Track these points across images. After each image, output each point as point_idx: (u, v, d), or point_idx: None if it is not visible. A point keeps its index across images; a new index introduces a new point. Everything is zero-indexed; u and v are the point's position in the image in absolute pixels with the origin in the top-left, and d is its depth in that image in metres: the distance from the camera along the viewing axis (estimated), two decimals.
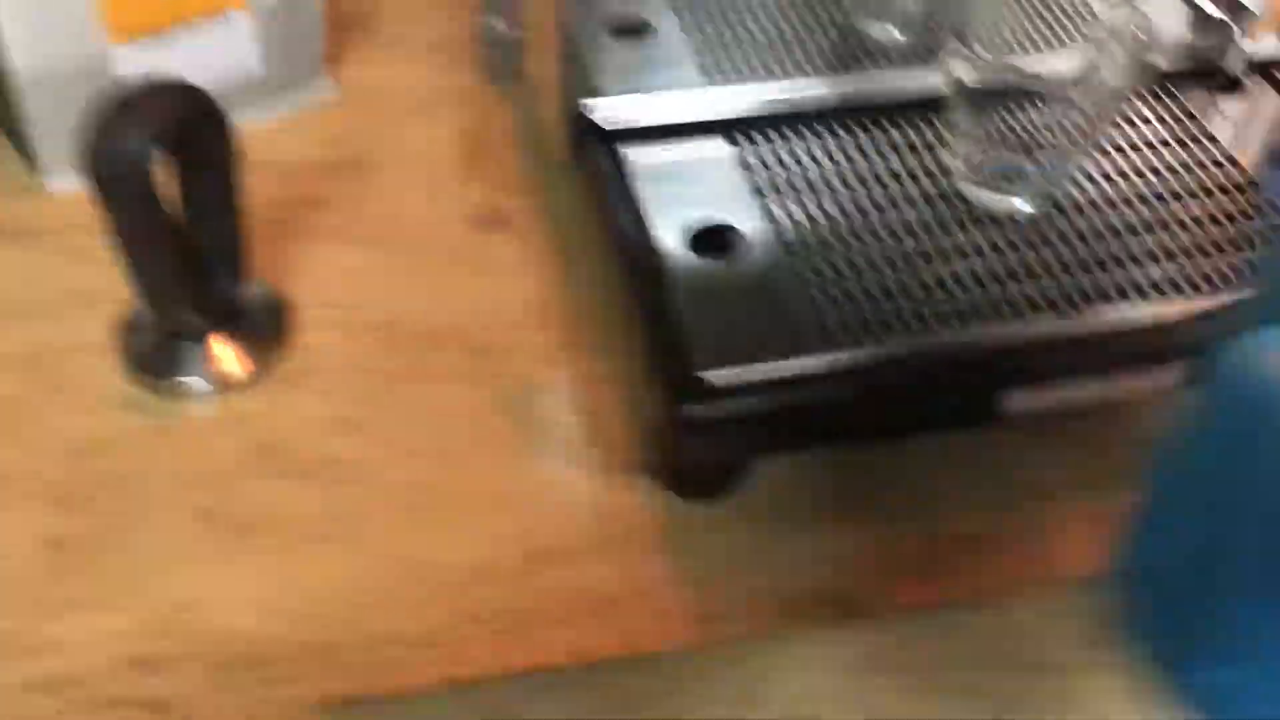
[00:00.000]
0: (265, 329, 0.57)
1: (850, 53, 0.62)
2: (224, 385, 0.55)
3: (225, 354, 0.56)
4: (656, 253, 0.51)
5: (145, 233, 0.50)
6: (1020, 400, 0.50)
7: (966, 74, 0.53)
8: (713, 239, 0.53)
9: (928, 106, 0.57)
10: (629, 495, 0.52)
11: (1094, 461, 0.54)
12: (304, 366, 0.57)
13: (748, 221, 0.53)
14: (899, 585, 0.50)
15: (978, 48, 0.53)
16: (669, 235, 0.52)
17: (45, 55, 0.60)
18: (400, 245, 0.63)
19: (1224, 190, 0.56)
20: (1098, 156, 0.57)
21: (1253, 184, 0.56)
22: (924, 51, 0.61)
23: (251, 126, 0.67)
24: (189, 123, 0.49)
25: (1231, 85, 0.62)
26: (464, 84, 0.70)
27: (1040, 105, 0.54)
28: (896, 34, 0.63)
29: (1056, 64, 0.55)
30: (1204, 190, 0.56)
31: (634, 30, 0.63)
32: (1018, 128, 0.54)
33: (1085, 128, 0.54)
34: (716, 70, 0.61)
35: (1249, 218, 0.55)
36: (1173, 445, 0.34)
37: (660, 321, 0.49)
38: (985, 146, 0.54)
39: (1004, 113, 0.54)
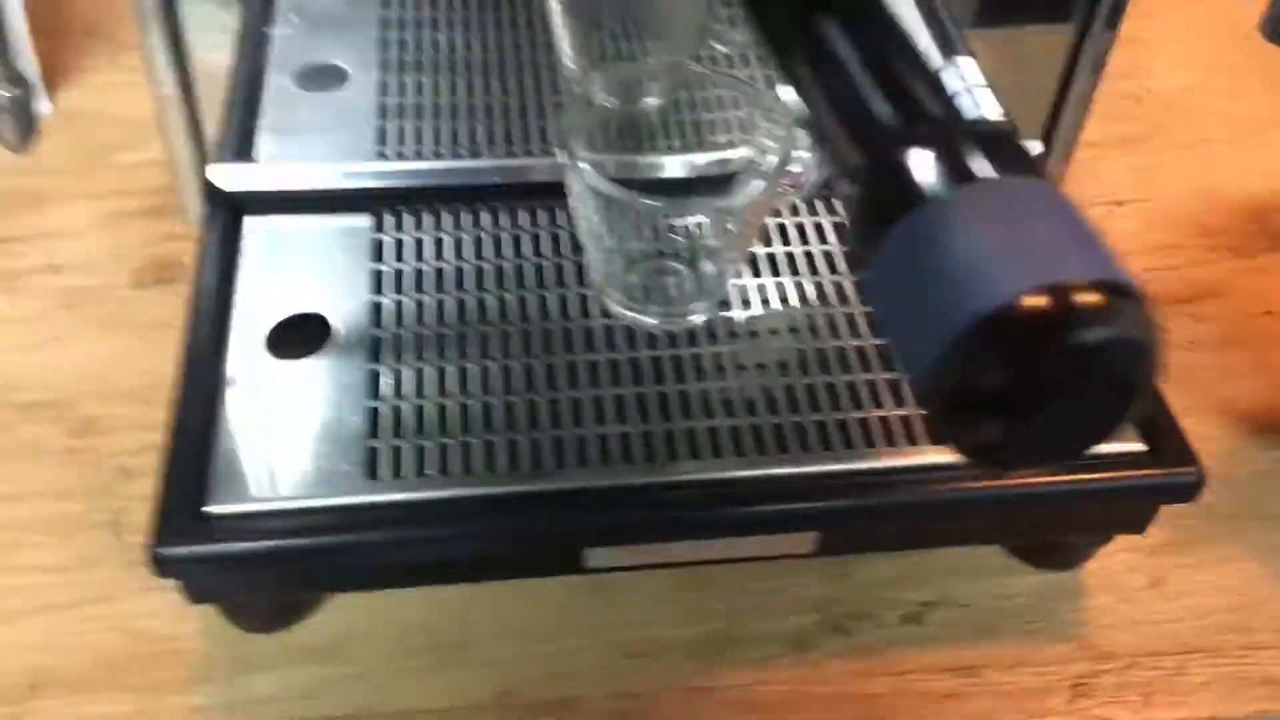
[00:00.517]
0: None
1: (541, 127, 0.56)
2: None
3: None
4: (215, 342, 0.46)
5: None
6: (603, 557, 0.44)
7: (591, 175, 0.46)
8: (300, 332, 0.47)
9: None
10: (175, 617, 0.47)
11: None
12: None
13: (347, 318, 0.48)
14: None
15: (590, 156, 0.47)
16: (246, 323, 0.47)
17: None
18: (47, 297, 0.58)
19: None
20: (770, 271, 0.51)
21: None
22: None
23: None
24: None
25: None
26: None
27: (680, 211, 0.47)
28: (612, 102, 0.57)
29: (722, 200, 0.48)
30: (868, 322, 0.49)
31: (321, 80, 0.57)
32: (662, 234, 0.48)
33: (737, 234, 0.47)
34: (396, 138, 0.55)
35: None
36: None
37: (181, 428, 0.43)
38: (624, 251, 0.48)
39: (645, 219, 0.47)
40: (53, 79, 0.67)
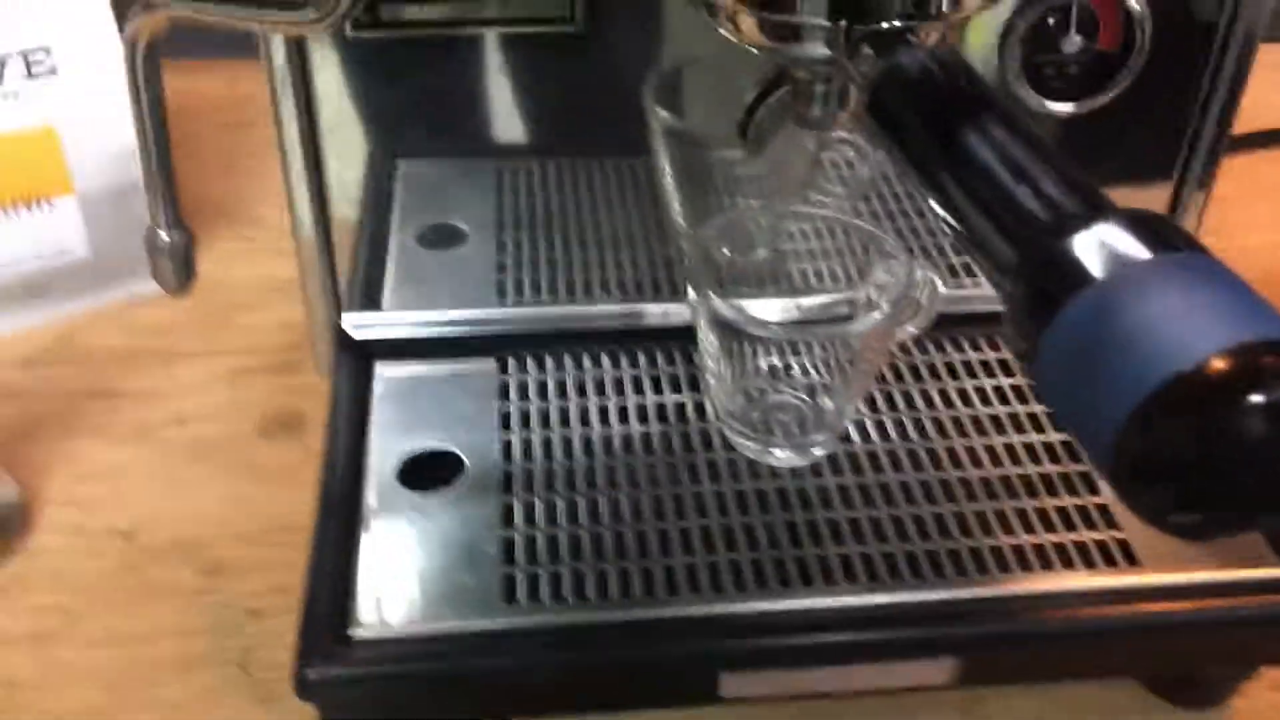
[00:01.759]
0: None
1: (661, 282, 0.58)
2: None
3: None
4: (351, 477, 0.47)
5: None
6: (739, 684, 0.43)
7: (722, 311, 0.48)
8: (433, 469, 0.48)
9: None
10: None
11: None
12: (21, 573, 0.53)
13: (480, 453, 0.49)
14: None
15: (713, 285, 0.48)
16: (381, 460, 0.48)
17: None
18: (177, 447, 0.59)
19: (1030, 457, 0.50)
20: (896, 409, 0.52)
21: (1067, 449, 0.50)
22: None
23: (74, 312, 0.67)
24: None
25: None
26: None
27: (802, 345, 0.48)
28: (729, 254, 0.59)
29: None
30: (1006, 454, 0.50)
31: (442, 240, 0.60)
32: (779, 364, 0.49)
33: (855, 367, 0.48)
34: (514, 289, 0.57)
35: (1052, 492, 0.48)
36: None
37: (321, 557, 0.44)
38: (744, 387, 0.49)
39: (763, 351, 0.48)
40: None
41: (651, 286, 0.57)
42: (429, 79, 0.53)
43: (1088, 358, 0.25)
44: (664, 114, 0.53)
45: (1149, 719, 0.49)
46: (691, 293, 0.47)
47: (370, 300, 0.55)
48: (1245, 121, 0.80)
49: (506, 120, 0.56)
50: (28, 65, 0.61)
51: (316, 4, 0.35)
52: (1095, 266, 0.26)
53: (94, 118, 0.63)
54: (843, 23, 0.37)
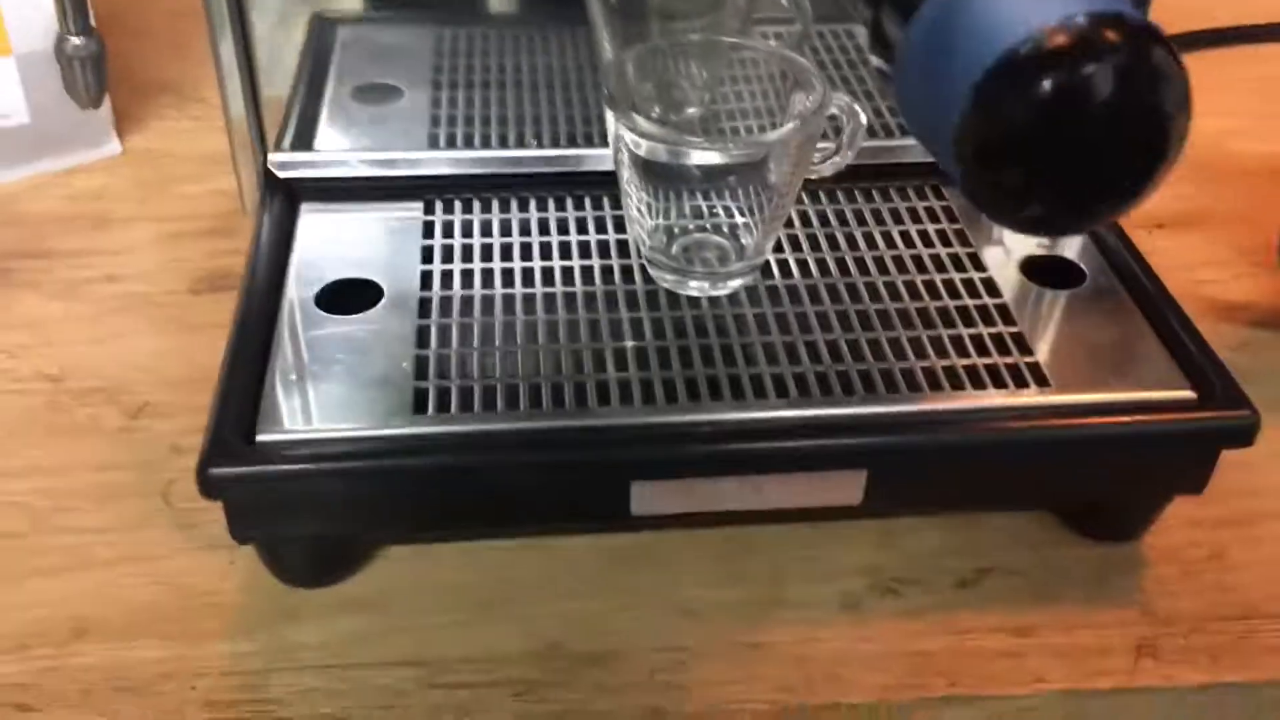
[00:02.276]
0: None
1: (585, 131, 0.58)
2: None
3: None
4: (268, 301, 0.47)
5: None
6: (650, 497, 0.44)
7: (645, 141, 0.48)
8: (352, 298, 0.48)
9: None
10: (218, 573, 0.46)
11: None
12: None
13: (397, 281, 0.49)
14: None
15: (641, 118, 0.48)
16: (300, 288, 0.48)
17: None
18: (109, 302, 0.59)
19: (949, 293, 0.50)
20: (819, 247, 0.52)
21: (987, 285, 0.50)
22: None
23: (14, 178, 0.67)
24: None
25: None
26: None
27: (729, 178, 0.48)
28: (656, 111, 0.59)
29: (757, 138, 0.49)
30: (925, 290, 0.50)
31: (378, 97, 0.60)
32: (703, 205, 0.49)
33: (774, 202, 0.48)
34: (446, 139, 0.57)
35: (968, 323, 0.48)
36: None
37: (233, 370, 0.44)
38: (671, 224, 0.49)
39: (685, 188, 0.48)
40: (125, 124, 0.71)
41: (584, 137, 0.57)
42: None
43: (939, 48, 0.25)
44: None
45: (1065, 550, 0.49)
46: (611, 120, 0.47)
47: (300, 144, 0.55)
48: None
49: None
50: None
51: None
52: None
53: None
54: None
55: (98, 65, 0.43)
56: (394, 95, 0.60)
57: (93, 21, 0.43)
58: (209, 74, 0.76)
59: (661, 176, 0.48)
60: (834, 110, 0.47)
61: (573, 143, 0.56)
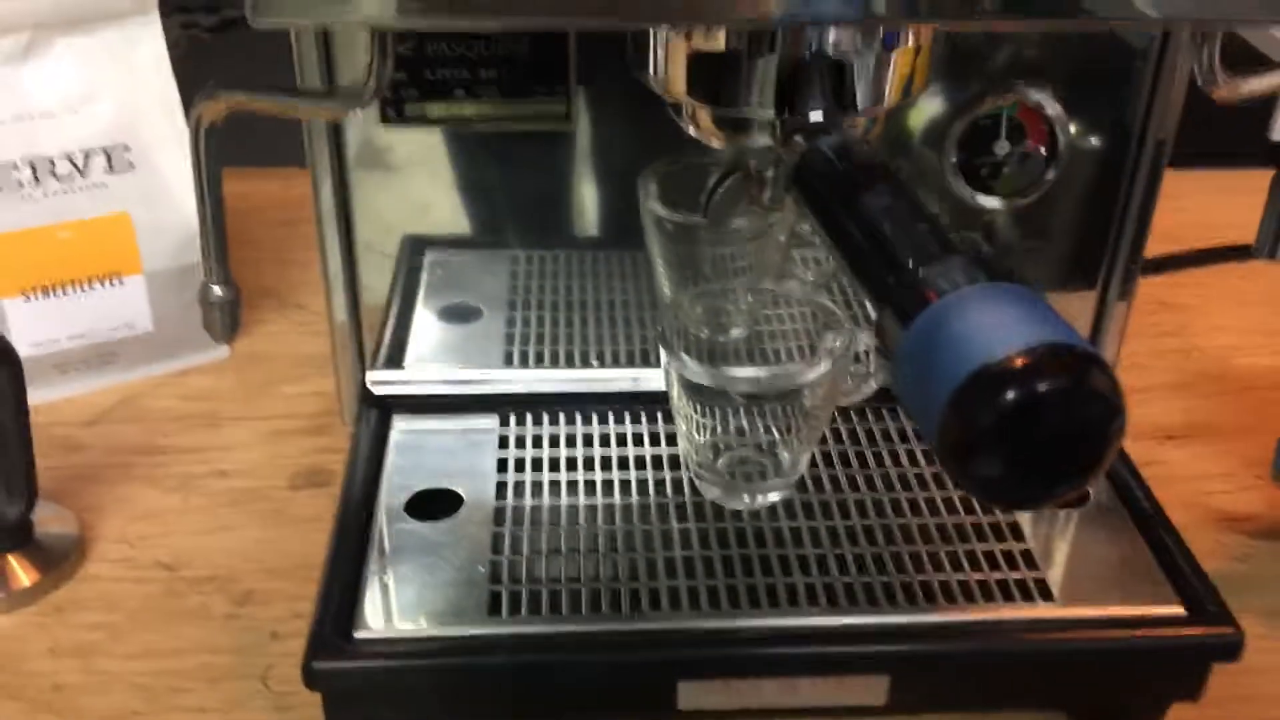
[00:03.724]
0: (55, 556, 0.61)
1: (644, 351, 0.65)
2: (4, 603, 0.59)
3: (11, 574, 0.60)
4: (364, 507, 0.54)
5: None
6: (695, 694, 0.49)
7: (691, 373, 0.55)
8: (437, 505, 0.55)
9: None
10: None
11: None
12: (76, 596, 0.60)
13: (476, 492, 0.56)
14: None
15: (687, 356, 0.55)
16: (391, 495, 0.55)
17: None
18: (218, 496, 0.67)
19: (965, 509, 0.56)
20: (847, 465, 0.58)
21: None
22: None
23: (136, 379, 0.75)
24: None
25: None
26: None
27: (767, 404, 0.55)
28: (705, 334, 0.66)
29: (791, 369, 0.56)
30: (943, 506, 0.56)
31: (461, 316, 0.68)
32: (746, 425, 0.56)
33: (808, 426, 0.55)
34: (520, 358, 0.64)
35: (981, 538, 0.54)
36: None
37: (334, 576, 0.50)
38: (716, 441, 0.56)
39: (729, 411, 0.55)
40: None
41: (641, 357, 0.64)
42: (451, 175, 0.61)
43: (925, 359, 0.32)
44: (655, 205, 0.61)
45: None
46: (665, 355, 0.54)
47: (393, 361, 0.63)
48: (1207, 238, 0.87)
49: (517, 210, 0.64)
50: (109, 161, 0.71)
51: (343, 96, 0.43)
52: (935, 289, 0.33)
53: (162, 207, 0.73)
54: (774, 118, 0.45)
55: (234, 310, 0.51)
56: (475, 315, 0.68)
57: (230, 275, 0.51)
58: (307, 281, 0.85)
59: (708, 401, 0.55)
60: (861, 348, 0.54)
61: (631, 363, 0.64)
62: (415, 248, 0.72)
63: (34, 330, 0.71)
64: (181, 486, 0.67)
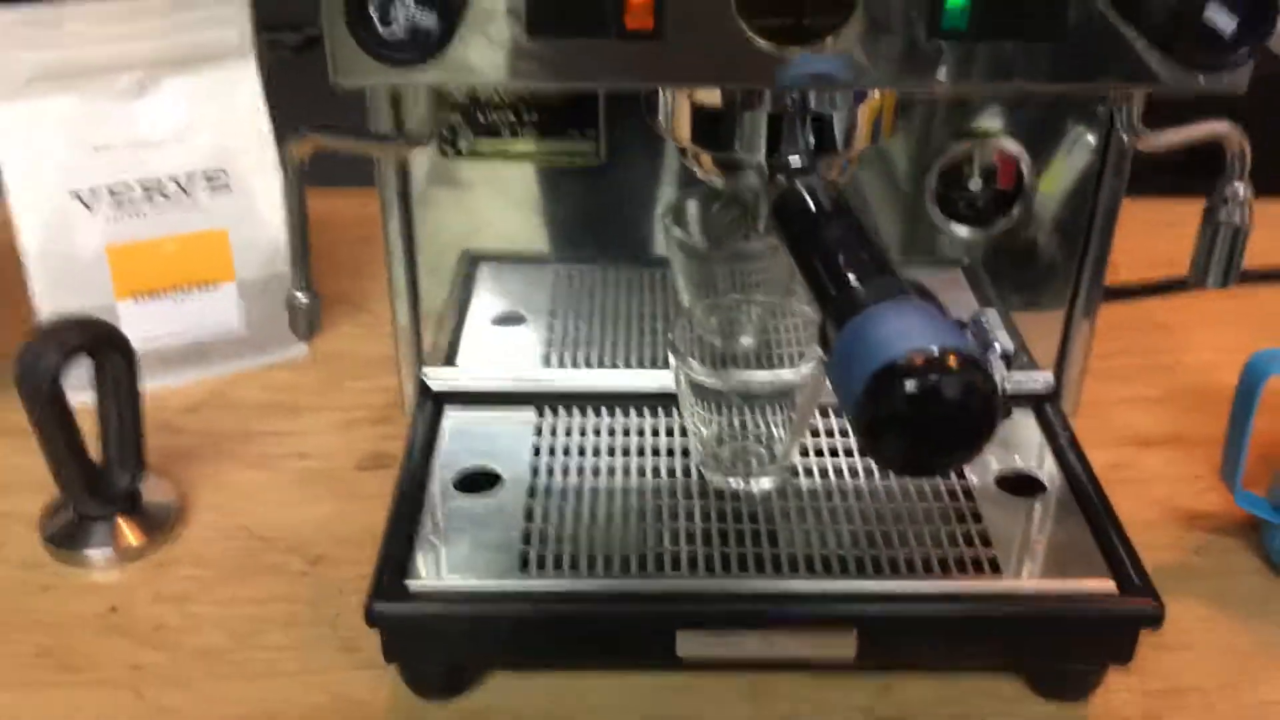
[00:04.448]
0: (158, 520, 0.72)
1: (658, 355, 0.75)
2: (116, 559, 0.70)
3: (121, 534, 0.71)
4: (419, 483, 0.64)
5: (55, 432, 0.66)
6: (691, 643, 0.58)
7: (696, 375, 0.64)
8: (482, 481, 0.65)
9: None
10: (370, 688, 0.62)
11: None
12: (174, 554, 0.71)
13: (514, 472, 0.65)
14: None
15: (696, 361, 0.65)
16: (443, 473, 0.65)
17: (63, 305, 0.79)
18: (295, 474, 0.77)
19: (934, 494, 0.64)
20: (835, 455, 0.67)
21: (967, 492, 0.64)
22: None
23: (227, 373, 0.86)
24: (97, 347, 0.66)
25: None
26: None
27: (764, 402, 0.64)
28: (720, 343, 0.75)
29: (782, 372, 0.65)
30: (914, 491, 0.64)
31: (507, 321, 0.77)
32: (747, 420, 0.65)
33: (798, 420, 0.64)
34: (556, 359, 0.74)
35: (945, 520, 0.62)
36: None
37: (393, 537, 0.60)
38: (720, 434, 0.65)
39: (730, 408, 0.64)
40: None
41: (663, 360, 0.73)
42: (500, 199, 0.71)
43: (849, 357, 0.41)
44: (675, 229, 0.70)
45: (1027, 705, 0.61)
46: (673, 360, 0.64)
47: (447, 359, 0.73)
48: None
49: (557, 229, 0.74)
50: (209, 183, 0.82)
51: (408, 139, 0.53)
52: (863, 301, 0.42)
53: (253, 224, 0.84)
54: (762, 161, 0.54)
55: (314, 313, 0.61)
56: (519, 320, 0.78)
57: (312, 283, 0.61)
58: (377, 290, 0.95)
59: (712, 399, 0.64)
60: None
61: (655, 365, 0.73)
62: (468, 262, 0.82)
63: (141, 328, 0.82)
64: (264, 465, 0.78)
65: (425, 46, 0.44)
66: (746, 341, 0.72)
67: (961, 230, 0.67)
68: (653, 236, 0.72)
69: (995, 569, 0.59)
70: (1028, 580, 0.59)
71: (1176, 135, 0.54)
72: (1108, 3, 0.47)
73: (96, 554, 0.70)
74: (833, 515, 0.63)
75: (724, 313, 0.71)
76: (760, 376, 0.64)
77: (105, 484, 0.70)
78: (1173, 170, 0.79)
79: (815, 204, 0.50)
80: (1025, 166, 0.65)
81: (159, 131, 0.81)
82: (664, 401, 0.71)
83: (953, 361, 0.39)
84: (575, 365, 0.73)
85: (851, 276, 0.44)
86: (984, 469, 0.66)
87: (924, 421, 0.39)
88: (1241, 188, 0.58)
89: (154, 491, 0.73)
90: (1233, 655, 0.65)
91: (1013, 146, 0.65)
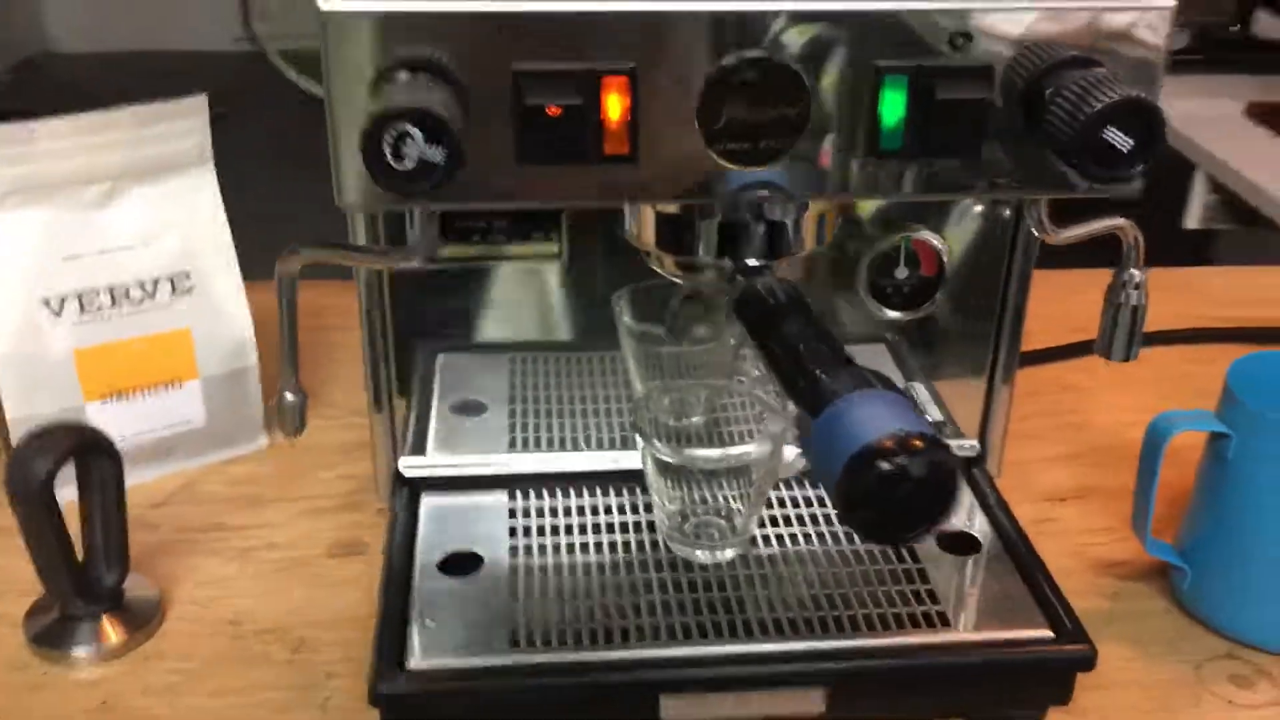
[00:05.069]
0: (141, 616, 0.74)
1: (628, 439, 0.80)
2: (102, 656, 0.72)
3: (106, 632, 0.73)
4: (405, 567, 0.68)
5: (46, 536, 0.69)
6: (675, 707, 0.63)
7: (662, 454, 0.69)
8: (463, 563, 0.69)
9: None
10: None
11: None
12: (159, 648, 0.73)
13: (494, 553, 0.70)
14: None
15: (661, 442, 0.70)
16: (424, 557, 0.69)
17: (33, 408, 0.82)
18: (269, 564, 0.80)
19: (884, 558, 0.70)
20: (790, 525, 0.72)
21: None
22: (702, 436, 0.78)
23: (193, 467, 0.89)
24: (86, 452, 0.69)
25: None
26: (364, 440, 0.90)
27: (723, 478, 0.69)
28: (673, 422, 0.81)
29: (740, 449, 0.71)
30: (866, 556, 0.70)
31: (470, 410, 0.82)
32: (708, 495, 0.70)
33: (756, 494, 0.69)
34: (521, 444, 0.79)
35: (896, 581, 0.68)
36: None
37: (387, 620, 0.64)
38: (683, 509, 0.70)
39: (693, 484, 0.69)
40: (271, 423, 0.94)
41: (621, 441, 0.79)
42: (468, 293, 0.76)
43: (825, 442, 0.46)
44: (626, 318, 0.76)
45: None
46: (640, 440, 0.69)
47: (418, 449, 0.77)
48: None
49: (516, 322, 0.79)
50: (174, 286, 0.85)
51: (398, 254, 0.58)
52: (832, 394, 0.48)
53: (216, 323, 0.87)
54: (724, 263, 0.60)
55: (302, 410, 0.65)
56: (481, 408, 0.82)
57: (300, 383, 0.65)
58: (330, 378, 0.99)
59: (675, 476, 0.69)
60: (792, 433, 0.69)
61: (611, 446, 0.78)
62: (430, 353, 0.87)
63: (109, 429, 0.84)
64: (239, 557, 0.81)
65: (433, 178, 0.49)
66: (697, 420, 0.77)
67: (892, 314, 0.73)
68: (606, 324, 0.77)
69: (945, 623, 0.65)
70: (974, 632, 0.65)
71: (1081, 230, 0.62)
72: (1021, 124, 0.55)
73: (83, 652, 0.72)
74: (793, 580, 0.68)
75: (675, 395, 0.76)
76: (715, 454, 0.70)
77: (91, 584, 0.72)
78: (1073, 248, 0.87)
79: (774, 300, 0.56)
80: (944, 255, 0.72)
81: (125, 239, 0.84)
82: (626, 480, 0.76)
83: (918, 443, 0.45)
84: (540, 449, 0.78)
85: (817, 369, 0.50)
86: None
87: (896, 496, 0.45)
88: (1138, 273, 0.66)
89: (134, 587, 0.75)
90: (1155, 689, 0.71)
91: (933, 238, 0.72)
